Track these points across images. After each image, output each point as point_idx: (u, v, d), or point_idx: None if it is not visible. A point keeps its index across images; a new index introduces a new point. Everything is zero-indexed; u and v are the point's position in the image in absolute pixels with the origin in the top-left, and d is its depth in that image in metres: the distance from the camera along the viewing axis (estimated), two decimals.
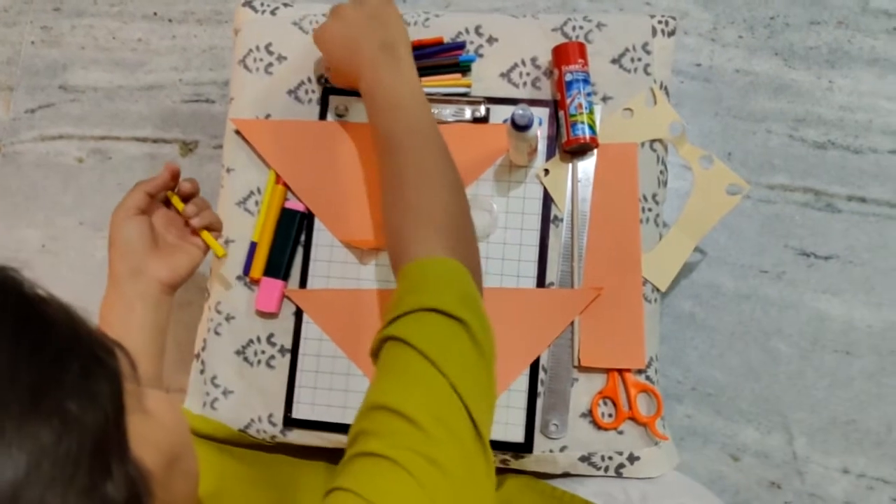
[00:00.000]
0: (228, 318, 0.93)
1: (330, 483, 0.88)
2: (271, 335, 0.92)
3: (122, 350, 0.45)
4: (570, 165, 0.91)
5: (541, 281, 0.89)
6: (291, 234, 0.92)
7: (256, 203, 0.94)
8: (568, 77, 0.88)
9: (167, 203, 0.84)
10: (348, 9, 0.84)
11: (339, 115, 0.94)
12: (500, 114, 0.92)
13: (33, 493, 0.35)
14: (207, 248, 0.85)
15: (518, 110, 0.79)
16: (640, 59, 0.92)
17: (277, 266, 0.91)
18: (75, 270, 1.32)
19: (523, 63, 0.94)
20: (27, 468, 0.35)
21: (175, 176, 0.82)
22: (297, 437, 0.90)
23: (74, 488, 0.36)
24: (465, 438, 0.56)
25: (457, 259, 0.67)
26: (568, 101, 0.88)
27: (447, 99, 0.92)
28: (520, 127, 0.79)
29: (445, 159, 0.76)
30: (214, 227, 0.86)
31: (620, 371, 0.87)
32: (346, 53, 0.83)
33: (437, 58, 0.93)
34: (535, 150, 0.90)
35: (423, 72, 0.93)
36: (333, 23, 0.84)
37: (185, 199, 0.84)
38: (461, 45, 0.94)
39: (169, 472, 0.46)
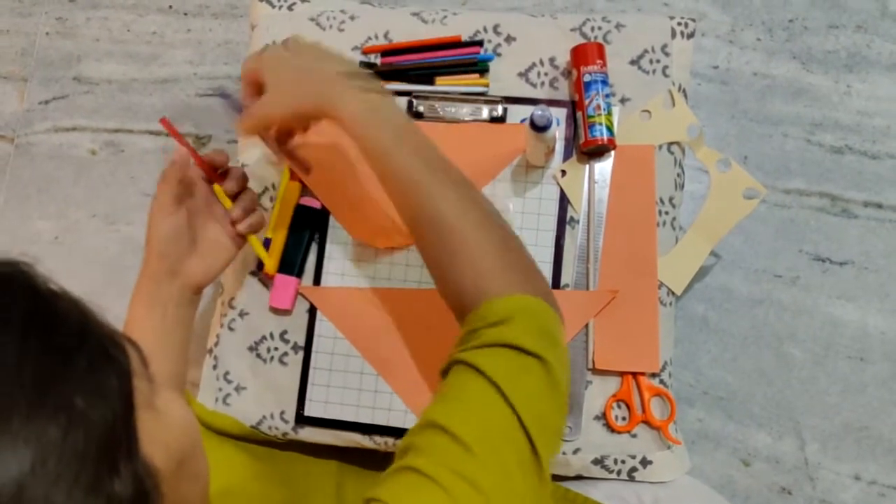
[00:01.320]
0: (242, 314, 0.93)
1: (343, 482, 0.88)
2: (284, 332, 0.92)
3: (134, 347, 0.45)
4: (587, 167, 0.90)
5: (556, 282, 0.89)
6: (306, 231, 0.92)
7: (271, 199, 0.94)
8: (586, 78, 0.88)
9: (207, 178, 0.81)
10: (298, 44, 0.74)
11: None
12: (518, 114, 0.92)
13: (38, 490, 0.34)
14: (243, 244, 0.83)
15: (537, 111, 0.78)
16: (658, 61, 0.92)
17: (291, 263, 0.91)
18: (89, 263, 1.32)
19: (541, 63, 0.93)
20: (32, 464, 0.35)
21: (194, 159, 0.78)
22: (310, 434, 0.90)
23: (80, 485, 0.36)
24: (515, 469, 0.55)
25: (533, 294, 0.64)
26: (586, 102, 0.88)
27: (464, 98, 0.92)
28: (539, 127, 0.79)
29: (473, 190, 0.70)
30: (258, 229, 0.83)
31: (634, 374, 0.86)
32: (300, 82, 0.72)
33: (455, 56, 0.93)
34: (553, 150, 0.89)
35: (441, 70, 0.93)
36: (282, 51, 0.74)
37: (222, 172, 0.80)
38: (479, 44, 0.93)
39: (178, 473, 0.45)
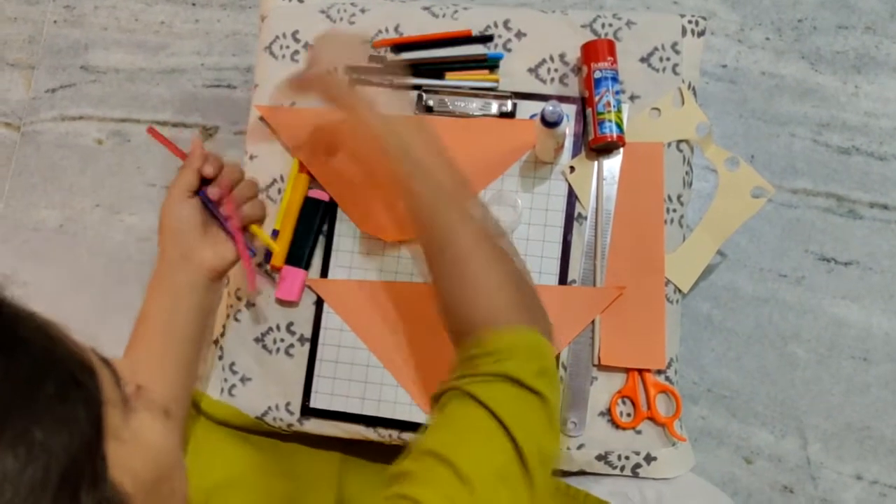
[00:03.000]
0: (248, 305, 0.93)
1: (346, 475, 0.88)
2: (291, 324, 0.92)
3: (107, 367, 0.44)
4: (596, 163, 0.90)
5: (563, 278, 0.89)
6: (314, 223, 0.92)
7: (279, 191, 0.94)
8: (597, 74, 0.88)
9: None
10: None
11: None
12: (527, 109, 0.92)
13: None
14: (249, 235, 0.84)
15: (549, 107, 0.78)
16: (668, 59, 0.92)
17: (299, 255, 0.91)
18: (94, 252, 1.32)
19: (551, 59, 0.93)
20: None
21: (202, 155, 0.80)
22: (314, 426, 0.90)
23: None
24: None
25: (535, 328, 0.64)
26: (596, 98, 0.88)
27: (474, 93, 0.92)
28: (549, 123, 0.79)
29: (488, 218, 0.71)
30: (257, 219, 0.84)
31: (640, 371, 0.87)
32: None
33: (465, 51, 0.93)
34: (562, 147, 0.89)
35: (452, 66, 0.93)
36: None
37: (211, 180, 0.81)
38: (489, 38, 0.93)
39: (151, 496, 0.44)
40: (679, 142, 0.91)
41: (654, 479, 0.86)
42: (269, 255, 0.92)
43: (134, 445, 0.43)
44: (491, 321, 0.64)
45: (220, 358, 0.93)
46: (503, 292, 0.66)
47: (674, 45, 0.92)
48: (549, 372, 0.63)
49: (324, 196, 0.92)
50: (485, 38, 0.93)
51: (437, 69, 0.93)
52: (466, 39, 0.94)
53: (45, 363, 0.39)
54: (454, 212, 0.69)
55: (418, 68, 0.94)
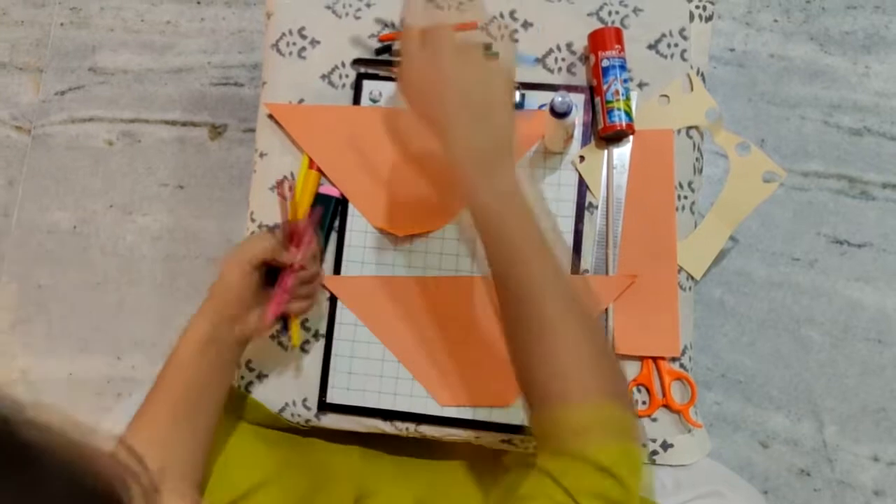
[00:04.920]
0: None
1: (365, 468, 0.88)
2: (305, 320, 0.92)
3: (136, 481, 0.40)
4: (606, 152, 0.90)
5: (575, 268, 0.89)
6: (325, 219, 0.92)
7: (290, 188, 0.94)
8: (605, 63, 0.88)
9: None
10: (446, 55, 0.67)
11: (374, 101, 0.94)
12: (535, 100, 0.91)
13: None
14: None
15: (558, 97, 0.78)
16: (676, 45, 0.91)
17: None
18: (107, 253, 1.33)
19: (558, 48, 0.93)
20: None
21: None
22: (332, 421, 0.91)
23: None
24: None
25: (618, 404, 0.63)
26: (604, 87, 0.88)
27: None
28: (559, 114, 0.79)
29: (573, 295, 0.66)
30: (299, 313, 0.85)
31: (655, 359, 0.87)
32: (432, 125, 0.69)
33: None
34: (572, 136, 0.89)
35: None
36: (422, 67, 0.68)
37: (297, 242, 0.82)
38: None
39: None
40: (689, 128, 0.91)
41: (670, 465, 0.86)
42: None
43: None
44: (561, 393, 0.62)
45: None
46: (588, 368, 0.64)
47: (681, 31, 0.91)
48: (633, 455, 0.61)
49: (334, 192, 0.93)
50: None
51: None
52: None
53: (67, 496, 0.36)
54: (550, 280, 0.65)
55: None
